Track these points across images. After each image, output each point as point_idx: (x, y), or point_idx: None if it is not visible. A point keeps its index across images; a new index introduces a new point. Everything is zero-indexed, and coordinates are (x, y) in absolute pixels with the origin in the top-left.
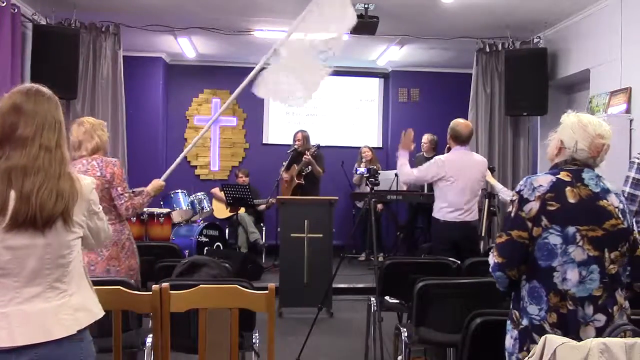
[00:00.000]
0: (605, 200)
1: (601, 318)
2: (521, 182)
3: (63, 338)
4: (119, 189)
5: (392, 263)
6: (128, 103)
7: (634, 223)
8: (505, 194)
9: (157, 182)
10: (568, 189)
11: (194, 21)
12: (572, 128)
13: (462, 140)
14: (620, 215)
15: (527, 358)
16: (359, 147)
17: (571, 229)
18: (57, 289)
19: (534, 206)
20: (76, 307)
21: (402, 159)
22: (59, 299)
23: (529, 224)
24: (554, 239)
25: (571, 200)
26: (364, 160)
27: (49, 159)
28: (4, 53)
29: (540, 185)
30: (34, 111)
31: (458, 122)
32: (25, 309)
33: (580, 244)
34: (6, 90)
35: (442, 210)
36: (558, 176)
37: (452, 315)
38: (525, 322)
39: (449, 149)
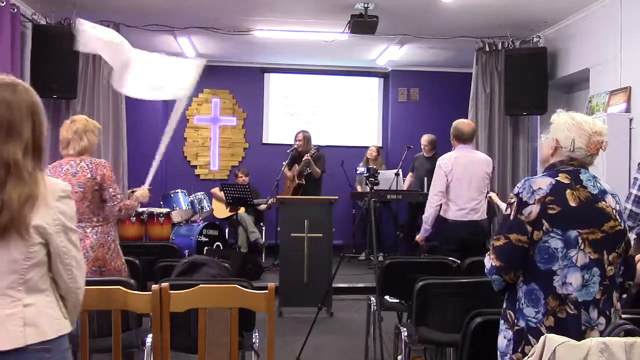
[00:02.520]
0: (603, 202)
1: (603, 321)
2: (519, 185)
3: (13, 350)
4: (110, 190)
5: (392, 263)
6: (128, 103)
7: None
8: None
9: (145, 191)
10: (568, 191)
11: (194, 21)
12: (566, 127)
13: (464, 138)
14: (617, 217)
15: (527, 358)
16: (358, 147)
17: (573, 233)
18: (9, 297)
19: (534, 209)
20: (27, 321)
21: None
22: (10, 308)
23: (529, 228)
24: (555, 242)
25: (572, 203)
26: (369, 158)
27: None
28: (3, 53)
29: (540, 188)
30: None
31: (460, 121)
32: None
33: (582, 247)
34: None
35: (450, 210)
36: (557, 178)
37: (452, 315)
38: (521, 323)
39: (453, 149)
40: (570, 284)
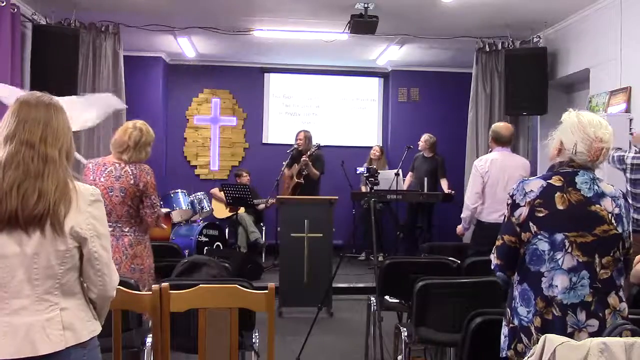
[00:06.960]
0: (597, 205)
1: (594, 323)
2: (514, 186)
3: (55, 352)
4: (152, 197)
5: (392, 263)
6: (128, 103)
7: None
8: None
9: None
10: (557, 194)
11: (194, 21)
12: (571, 129)
13: (503, 141)
14: (613, 221)
15: (527, 357)
16: (358, 147)
17: (559, 236)
18: (46, 302)
19: (523, 212)
20: (65, 325)
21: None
22: (48, 312)
23: (518, 229)
24: (542, 245)
25: (560, 206)
26: (372, 158)
27: (30, 155)
28: (3, 53)
29: (531, 191)
30: (22, 115)
31: (498, 125)
32: (12, 321)
33: (569, 250)
34: None
35: (485, 212)
36: (549, 181)
37: (452, 315)
38: (515, 321)
39: (491, 151)
40: (556, 286)
